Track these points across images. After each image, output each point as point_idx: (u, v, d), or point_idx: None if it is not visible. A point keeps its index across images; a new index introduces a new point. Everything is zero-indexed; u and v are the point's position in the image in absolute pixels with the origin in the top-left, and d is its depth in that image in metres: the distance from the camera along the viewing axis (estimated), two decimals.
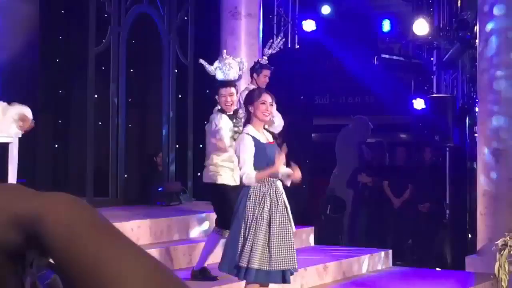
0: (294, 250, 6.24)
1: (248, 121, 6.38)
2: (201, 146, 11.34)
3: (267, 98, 6.33)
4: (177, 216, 8.71)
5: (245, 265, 6.05)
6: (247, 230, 6.11)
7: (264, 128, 6.44)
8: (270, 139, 6.40)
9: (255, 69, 8.32)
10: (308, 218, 12.11)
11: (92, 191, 9.45)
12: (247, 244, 6.06)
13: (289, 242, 6.17)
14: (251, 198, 6.16)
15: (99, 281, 0.73)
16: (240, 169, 6.25)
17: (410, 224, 12.50)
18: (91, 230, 0.75)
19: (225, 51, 7.84)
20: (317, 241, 10.14)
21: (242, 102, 7.10)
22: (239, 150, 6.30)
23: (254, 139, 6.27)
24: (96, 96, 9.76)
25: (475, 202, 10.45)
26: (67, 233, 0.75)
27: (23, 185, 0.81)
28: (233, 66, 7.48)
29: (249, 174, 6.16)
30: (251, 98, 6.37)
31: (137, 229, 8.03)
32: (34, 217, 0.76)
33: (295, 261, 6.22)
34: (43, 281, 0.84)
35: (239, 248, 6.11)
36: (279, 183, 6.30)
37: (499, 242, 6.21)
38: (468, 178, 12.90)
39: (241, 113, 7.00)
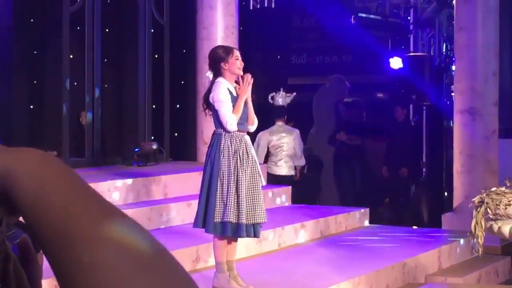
0: (263, 204, 6.33)
1: (218, 76, 6.38)
2: (178, 106, 11.30)
3: (238, 53, 6.43)
4: (154, 176, 8.69)
5: (234, 221, 6.09)
6: (224, 186, 6.14)
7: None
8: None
9: None
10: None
11: (68, 152, 9.40)
12: (229, 200, 6.09)
13: (259, 196, 6.25)
14: (224, 154, 6.18)
15: (67, 241, 0.70)
16: (224, 115, 6.23)
17: (387, 182, 12.55)
18: (61, 187, 0.73)
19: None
20: (294, 200, 10.17)
21: None
22: (217, 95, 6.27)
23: (229, 91, 6.32)
24: (71, 56, 9.67)
25: (451, 160, 10.50)
26: (35, 189, 0.72)
27: None
28: None
29: (232, 120, 6.20)
30: (221, 56, 6.38)
31: (113, 190, 8.01)
32: (3, 172, 0.73)
33: (265, 215, 6.31)
34: (12, 240, 0.82)
35: (219, 204, 6.13)
36: (247, 138, 6.36)
37: (476, 199, 6.23)
38: (444, 136, 12.96)
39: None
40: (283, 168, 11.21)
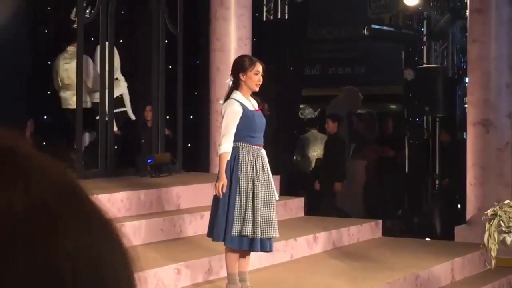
0: (276, 219, 6.34)
1: (236, 87, 6.34)
2: (191, 117, 11.32)
3: (260, 68, 6.32)
4: (167, 187, 8.70)
5: (250, 235, 6.10)
6: (243, 201, 6.13)
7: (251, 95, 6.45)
8: (256, 106, 6.40)
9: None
10: (298, 189, 12.13)
11: (82, 162, 9.41)
12: (247, 214, 6.10)
13: (274, 210, 6.26)
14: (242, 169, 6.17)
15: None
16: (223, 136, 6.24)
17: (400, 194, 12.53)
18: None
19: None
20: (307, 211, 10.16)
21: None
22: (225, 114, 6.27)
23: (243, 105, 6.26)
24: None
25: (464, 172, 10.47)
26: None
27: None
28: None
29: (225, 148, 6.19)
30: (243, 66, 6.33)
31: (126, 200, 8.02)
32: None
33: (277, 230, 6.30)
34: None
35: (237, 218, 6.13)
36: (263, 152, 6.33)
37: (489, 211, 6.21)
38: (457, 148, 12.93)
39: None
40: None
